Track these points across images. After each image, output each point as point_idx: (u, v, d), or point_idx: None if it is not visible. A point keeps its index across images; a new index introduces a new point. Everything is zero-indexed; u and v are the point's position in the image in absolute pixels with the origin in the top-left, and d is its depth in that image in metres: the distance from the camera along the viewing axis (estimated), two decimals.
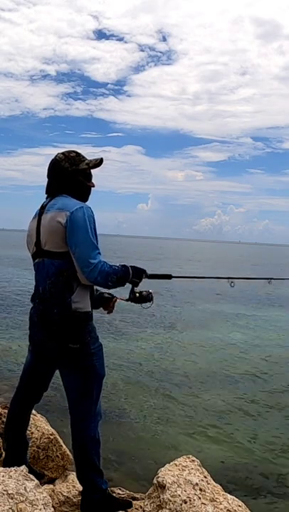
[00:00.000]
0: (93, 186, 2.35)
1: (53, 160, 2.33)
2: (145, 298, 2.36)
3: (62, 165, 2.28)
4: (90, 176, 2.35)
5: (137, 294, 2.34)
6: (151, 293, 2.37)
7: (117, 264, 2.23)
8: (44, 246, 2.21)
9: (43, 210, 2.28)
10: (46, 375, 2.40)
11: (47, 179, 2.35)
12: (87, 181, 2.33)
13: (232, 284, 2.89)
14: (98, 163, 2.33)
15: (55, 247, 2.17)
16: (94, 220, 2.17)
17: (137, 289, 2.34)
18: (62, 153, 2.32)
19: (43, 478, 2.68)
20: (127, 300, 2.39)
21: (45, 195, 2.36)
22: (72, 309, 2.15)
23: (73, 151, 2.35)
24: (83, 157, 2.34)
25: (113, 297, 2.45)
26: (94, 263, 2.09)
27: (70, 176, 2.28)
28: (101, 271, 2.11)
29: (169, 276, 2.52)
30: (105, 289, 2.29)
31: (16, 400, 2.43)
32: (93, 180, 2.36)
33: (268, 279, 3.23)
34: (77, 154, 2.33)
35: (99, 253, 2.13)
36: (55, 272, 2.16)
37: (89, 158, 2.36)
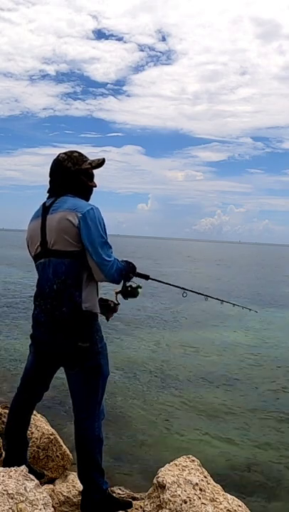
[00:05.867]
0: (95, 186, 2.37)
1: (55, 160, 2.33)
2: (134, 292, 2.40)
3: (65, 165, 2.29)
4: (92, 175, 2.36)
5: (129, 288, 2.39)
6: (140, 287, 2.41)
7: (122, 260, 2.30)
8: (52, 246, 2.20)
9: (46, 210, 2.27)
10: (48, 375, 2.41)
11: (49, 179, 2.35)
12: (89, 181, 2.34)
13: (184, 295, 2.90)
14: (100, 163, 2.35)
15: (64, 246, 2.17)
16: (103, 220, 2.23)
17: (128, 283, 2.39)
18: (65, 153, 2.33)
19: (43, 478, 2.68)
20: (118, 292, 2.42)
21: (47, 195, 2.35)
22: (82, 309, 2.18)
23: (76, 151, 2.35)
24: (86, 157, 2.34)
25: (117, 304, 2.46)
26: (111, 261, 2.17)
27: (73, 176, 2.28)
28: (117, 268, 2.20)
29: (146, 277, 2.54)
30: (115, 284, 2.34)
31: (18, 400, 2.43)
32: (94, 179, 2.37)
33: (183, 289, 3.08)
34: (80, 154, 2.34)
35: (112, 251, 2.21)
36: (65, 270, 2.17)
37: (89, 158, 2.37)
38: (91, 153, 2.39)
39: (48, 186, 2.36)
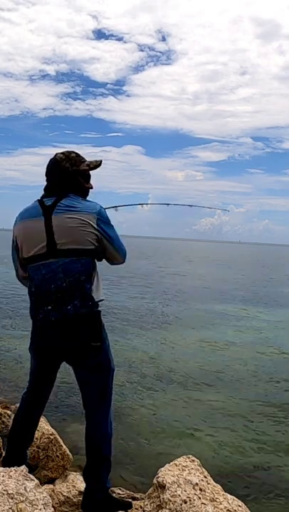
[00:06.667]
0: (91, 188, 2.37)
1: (52, 160, 2.32)
2: None
3: (63, 165, 2.28)
4: (88, 177, 2.37)
5: None
6: None
7: None
8: (63, 246, 2.18)
9: (47, 209, 2.23)
10: (54, 375, 2.42)
11: (46, 178, 2.34)
12: (86, 182, 2.35)
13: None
14: (98, 164, 2.36)
15: (81, 245, 2.19)
16: None
17: None
18: (63, 154, 2.32)
19: (34, 471, 2.65)
20: None
21: (44, 194, 2.32)
22: (94, 299, 2.22)
23: (73, 152, 2.35)
24: (83, 158, 2.35)
25: None
26: (126, 251, 2.41)
27: (71, 177, 2.28)
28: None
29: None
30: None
31: (27, 402, 2.42)
32: (92, 180, 2.39)
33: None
34: (77, 155, 2.34)
35: None
36: (81, 269, 2.19)
37: (89, 158, 2.38)
38: (91, 153, 2.40)
39: (47, 186, 2.35)
